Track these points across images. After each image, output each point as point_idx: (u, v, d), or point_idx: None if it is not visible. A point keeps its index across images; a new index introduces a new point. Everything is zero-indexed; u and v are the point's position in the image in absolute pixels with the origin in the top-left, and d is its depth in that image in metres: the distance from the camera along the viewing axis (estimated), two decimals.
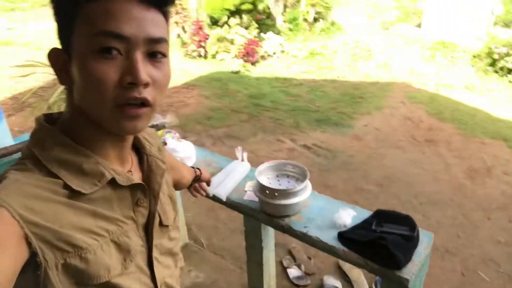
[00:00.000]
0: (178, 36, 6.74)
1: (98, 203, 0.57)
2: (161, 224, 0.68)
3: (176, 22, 6.66)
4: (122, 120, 0.55)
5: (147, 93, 0.54)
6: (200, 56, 6.41)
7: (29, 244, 0.49)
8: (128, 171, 0.65)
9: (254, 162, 1.64)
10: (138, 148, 0.71)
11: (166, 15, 0.58)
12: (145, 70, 0.54)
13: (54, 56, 0.57)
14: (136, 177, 0.65)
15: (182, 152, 1.74)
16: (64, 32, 0.55)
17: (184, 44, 6.58)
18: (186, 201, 2.50)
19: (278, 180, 1.45)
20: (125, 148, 0.64)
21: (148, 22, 0.54)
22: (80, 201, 0.55)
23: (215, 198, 1.49)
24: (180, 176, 0.98)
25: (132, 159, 0.68)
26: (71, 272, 0.53)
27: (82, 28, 0.52)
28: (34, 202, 0.50)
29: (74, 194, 0.55)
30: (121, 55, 0.52)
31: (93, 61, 0.52)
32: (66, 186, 0.55)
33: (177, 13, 6.73)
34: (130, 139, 0.65)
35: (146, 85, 0.54)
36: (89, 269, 0.54)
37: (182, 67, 5.87)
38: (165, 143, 1.75)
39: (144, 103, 0.55)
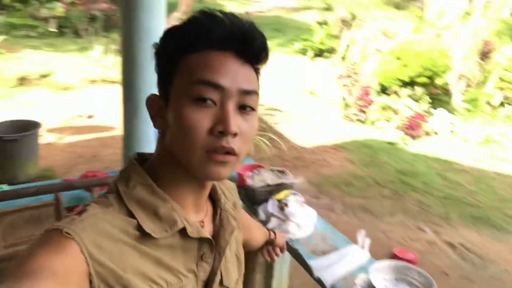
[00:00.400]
0: (343, 98, 6.94)
1: (163, 251, 0.59)
2: (221, 283, 0.67)
3: (345, 85, 6.89)
4: (209, 165, 0.57)
5: (234, 143, 0.57)
6: (358, 120, 6.42)
7: (90, 282, 0.50)
8: (201, 221, 0.66)
9: (381, 245, 1.51)
10: (214, 200, 0.72)
11: (257, 71, 0.63)
12: (235, 121, 0.57)
13: (152, 102, 0.63)
14: (207, 229, 0.67)
15: (301, 218, 1.64)
16: (163, 81, 0.62)
17: (346, 106, 6.73)
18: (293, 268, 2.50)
19: (396, 286, 1.26)
20: (202, 197, 0.66)
21: (242, 75, 0.58)
22: (147, 245, 0.57)
23: (319, 282, 1.34)
24: (251, 237, 0.97)
25: (207, 210, 0.69)
26: None
27: (181, 77, 0.58)
28: (104, 240, 0.53)
29: (143, 237, 0.57)
30: (215, 105, 0.57)
31: (189, 108, 0.56)
32: (139, 228, 0.57)
33: (348, 76, 6.99)
34: (208, 187, 0.67)
35: (234, 135, 0.57)
36: None
37: (337, 128, 5.99)
38: (286, 205, 1.75)
39: (230, 152, 0.57)
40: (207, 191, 0.67)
